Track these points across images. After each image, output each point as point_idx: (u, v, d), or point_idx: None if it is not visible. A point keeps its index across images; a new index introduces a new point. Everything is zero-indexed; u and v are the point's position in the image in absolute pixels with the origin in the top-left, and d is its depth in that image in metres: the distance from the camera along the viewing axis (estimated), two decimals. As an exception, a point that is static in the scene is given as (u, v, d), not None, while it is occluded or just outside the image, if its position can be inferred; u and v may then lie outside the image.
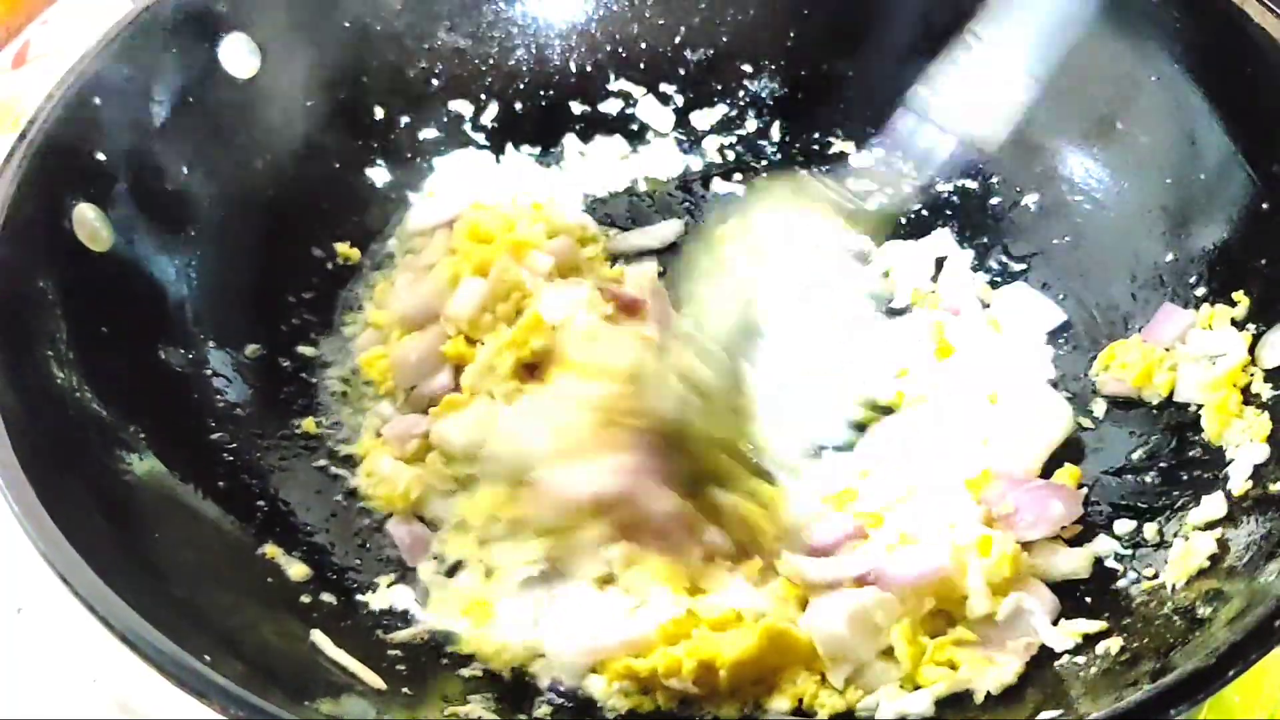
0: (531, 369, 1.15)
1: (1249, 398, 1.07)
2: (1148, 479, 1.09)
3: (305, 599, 1.03)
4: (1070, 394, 1.17)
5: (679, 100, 1.43)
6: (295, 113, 1.28)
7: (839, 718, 0.95)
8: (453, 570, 1.08)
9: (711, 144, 1.43)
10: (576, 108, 1.42)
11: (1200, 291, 1.14)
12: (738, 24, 1.41)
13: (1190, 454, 1.08)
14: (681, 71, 1.43)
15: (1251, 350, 1.08)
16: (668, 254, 1.33)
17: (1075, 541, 1.05)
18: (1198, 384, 1.09)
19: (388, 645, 1.01)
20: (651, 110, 1.43)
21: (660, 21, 1.41)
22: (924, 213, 1.34)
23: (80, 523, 0.86)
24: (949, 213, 1.33)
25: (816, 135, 1.41)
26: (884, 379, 1.19)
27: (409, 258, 1.29)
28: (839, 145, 1.40)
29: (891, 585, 0.99)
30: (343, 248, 1.30)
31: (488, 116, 1.40)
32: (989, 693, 0.94)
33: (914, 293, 1.27)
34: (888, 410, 1.18)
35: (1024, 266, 1.28)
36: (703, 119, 1.43)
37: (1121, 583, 1.01)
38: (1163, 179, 1.20)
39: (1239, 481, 1.01)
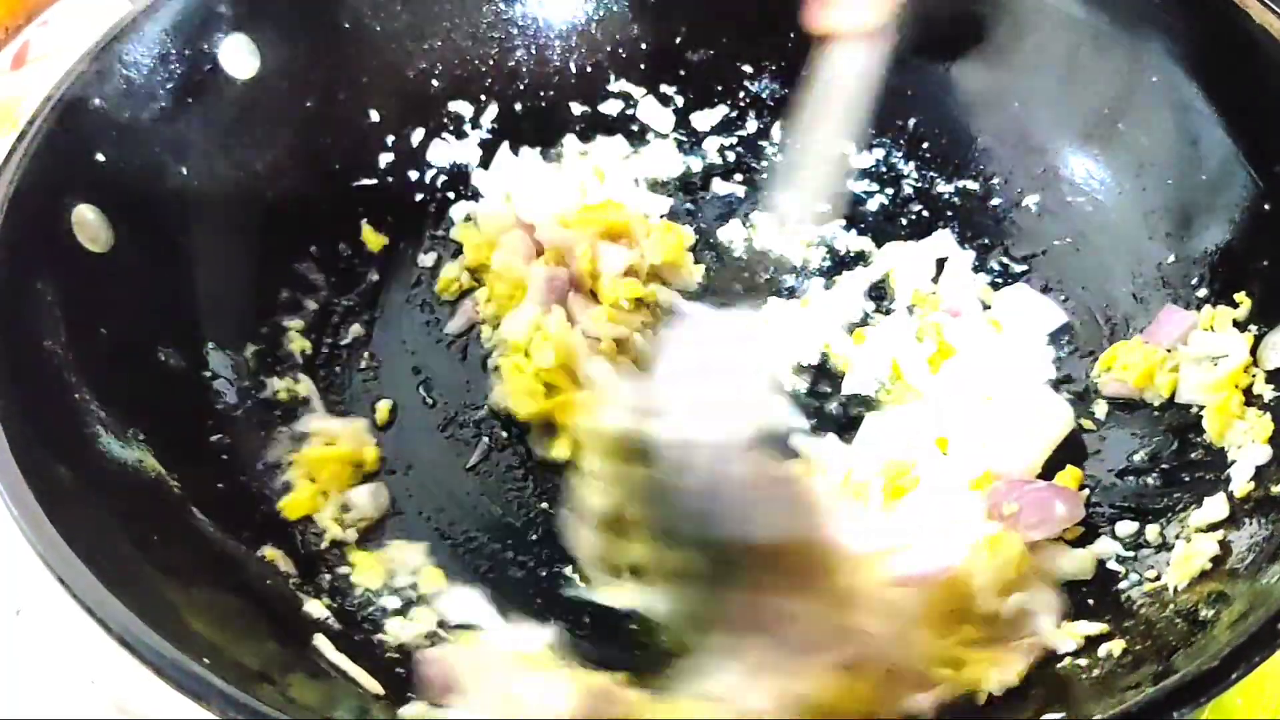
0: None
1: (1251, 399, 1.07)
2: (1149, 480, 1.09)
3: (303, 601, 1.02)
4: (1072, 395, 1.17)
5: (679, 101, 1.43)
6: (295, 113, 1.28)
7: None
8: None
9: (712, 145, 1.42)
10: (577, 108, 1.42)
11: (1202, 292, 1.14)
12: (738, 24, 1.41)
13: (1192, 455, 1.08)
14: (682, 72, 1.43)
15: (1253, 351, 1.08)
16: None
17: (1077, 543, 1.05)
18: (1199, 385, 1.09)
19: (387, 649, 1.01)
20: (652, 111, 1.43)
21: (660, 22, 1.41)
22: (925, 214, 1.34)
23: (78, 524, 0.85)
24: (950, 214, 1.33)
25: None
26: (874, 375, 1.20)
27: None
28: (839, 146, 1.40)
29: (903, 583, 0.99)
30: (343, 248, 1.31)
31: (487, 117, 1.40)
32: (991, 694, 0.94)
33: (914, 294, 1.27)
34: (874, 406, 1.19)
35: (1025, 268, 1.28)
36: (703, 120, 1.43)
37: (1123, 585, 1.01)
38: (1164, 180, 1.19)
39: (1241, 483, 1.00)
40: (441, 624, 1.04)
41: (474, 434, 1.19)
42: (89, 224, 1.06)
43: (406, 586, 1.07)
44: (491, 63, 1.40)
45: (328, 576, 1.07)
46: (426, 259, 1.33)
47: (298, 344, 1.23)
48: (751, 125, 1.43)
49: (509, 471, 1.17)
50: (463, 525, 1.13)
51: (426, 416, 1.21)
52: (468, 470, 1.17)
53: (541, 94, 1.41)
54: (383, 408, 1.20)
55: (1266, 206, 1.09)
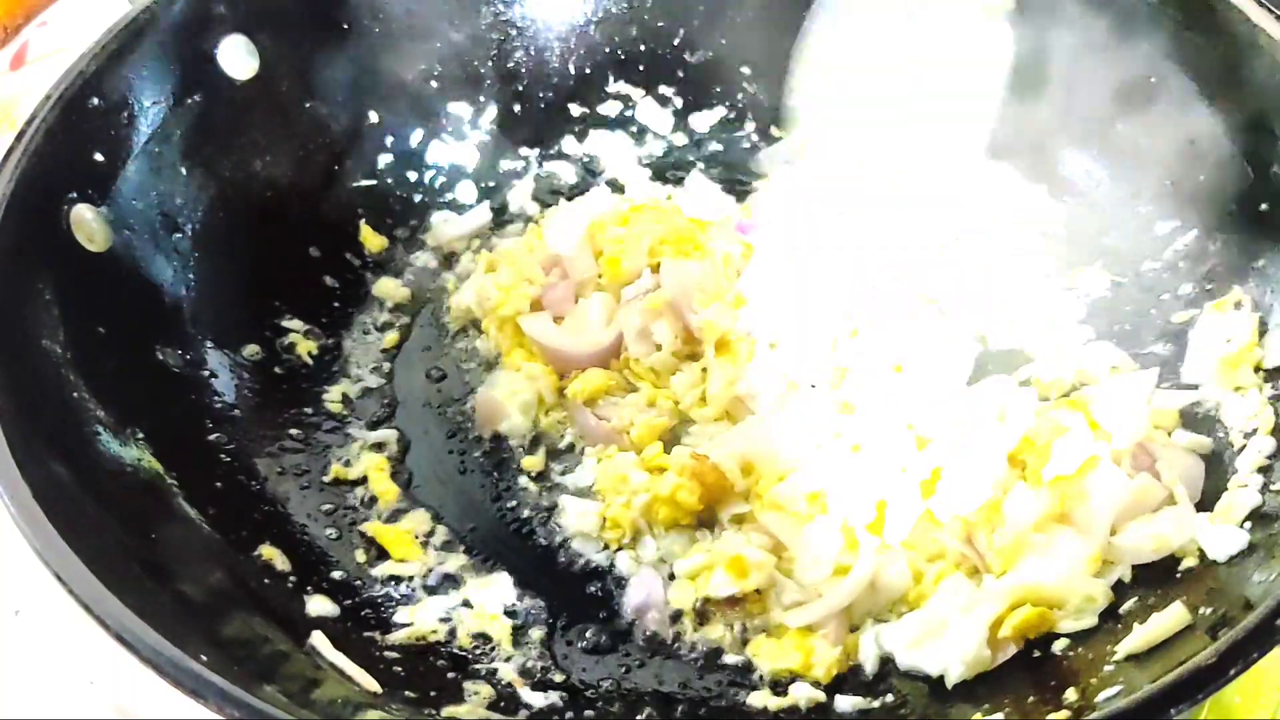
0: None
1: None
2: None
3: (301, 600, 1.02)
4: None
5: (678, 102, 1.43)
6: (293, 114, 1.28)
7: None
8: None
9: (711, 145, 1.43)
10: (575, 109, 1.42)
11: (1201, 290, 1.14)
12: (736, 26, 1.41)
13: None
14: (680, 73, 1.43)
15: (1260, 334, 1.07)
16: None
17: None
18: (1206, 365, 1.09)
19: (385, 647, 1.01)
20: (650, 112, 1.43)
21: (659, 23, 1.41)
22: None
23: (77, 524, 0.86)
24: (948, 213, 1.33)
25: (815, 136, 1.41)
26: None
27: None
28: (838, 146, 1.40)
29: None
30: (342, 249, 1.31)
31: (486, 118, 1.40)
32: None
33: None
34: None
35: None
36: (701, 121, 1.43)
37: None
38: (1162, 179, 1.19)
39: (1247, 473, 1.00)
40: (465, 602, 1.06)
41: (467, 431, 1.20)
42: (86, 224, 1.06)
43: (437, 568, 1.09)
44: (490, 64, 1.40)
45: (337, 574, 1.07)
46: (424, 257, 1.34)
47: (303, 345, 1.23)
48: (750, 126, 1.43)
49: (503, 472, 1.17)
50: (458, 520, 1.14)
51: (426, 415, 1.22)
52: (463, 473, 1.17)
53: (540, 95, 1.42)
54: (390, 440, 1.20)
55: (1264, 206, 1.09)
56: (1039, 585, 0.97)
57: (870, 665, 1.00)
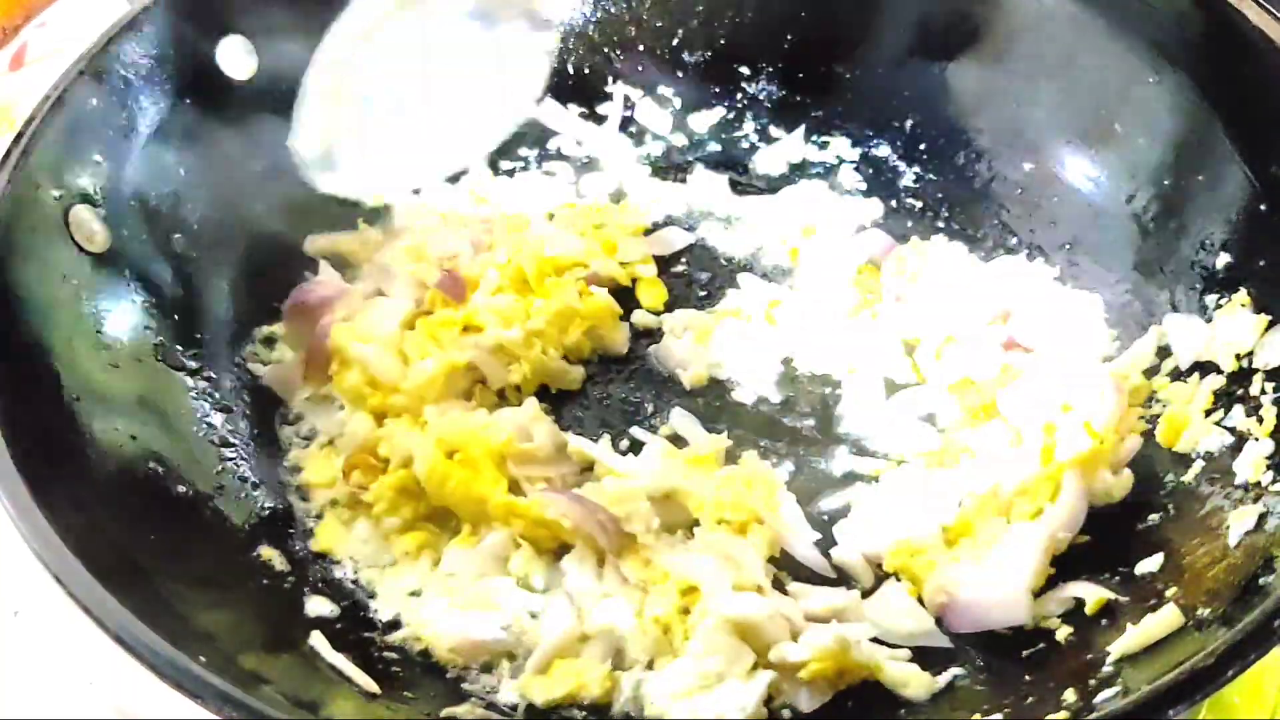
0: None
1: (1247, 400, 1.06)
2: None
3: (300, 600, 1.02)
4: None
5: (677, 103, 1.43)
6: (292, 115, 1.28)
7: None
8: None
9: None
10: (575, 109, 1.42)
11: (1198, 291, 1.14)
12: (735, 26, 1.41)
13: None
14: (679, 74, 1.43)
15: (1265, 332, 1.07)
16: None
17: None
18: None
19: (383, 648, 1.01)
20: (650, 112, 1.43)
21: (658, 24, 1.41)
22: (922, 214, 1.34)
23: (76, 525, 0.86)
24: (947, 215, 1.34)
25: (815, 136, 1.41)
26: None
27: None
28: (837, 146, 1.40)
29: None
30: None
31: (485, 118, 1.40)
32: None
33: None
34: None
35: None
36: (701, 121, 1.43)
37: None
38: (1160, 180, 1.19)
39: (1247, 476, 1.00)
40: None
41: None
42: (86, 224, 1.06)
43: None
44: (489, 64, 1.40)
45: (336, 574, 1.07)
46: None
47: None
48: (749, 126, 1.43)
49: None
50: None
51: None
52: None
53: (539, 96, 1.41)
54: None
55: (1263, 207, 1.09)
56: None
57: (620, 706, 0.97)
